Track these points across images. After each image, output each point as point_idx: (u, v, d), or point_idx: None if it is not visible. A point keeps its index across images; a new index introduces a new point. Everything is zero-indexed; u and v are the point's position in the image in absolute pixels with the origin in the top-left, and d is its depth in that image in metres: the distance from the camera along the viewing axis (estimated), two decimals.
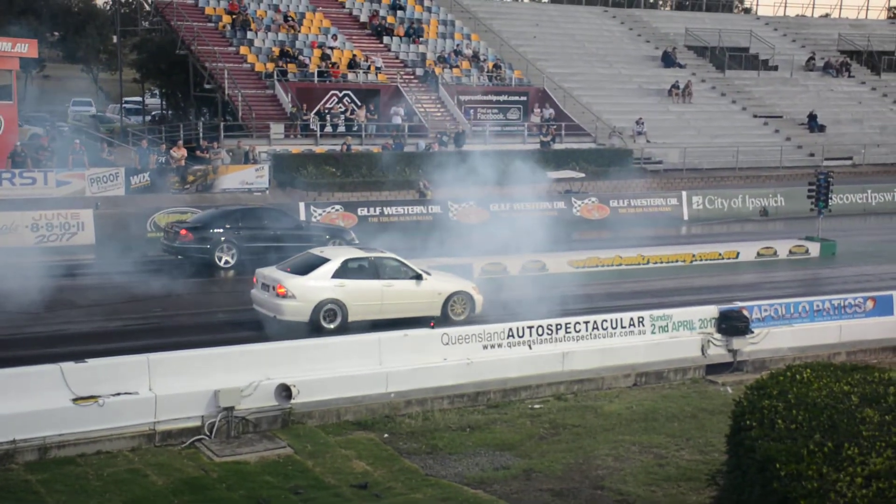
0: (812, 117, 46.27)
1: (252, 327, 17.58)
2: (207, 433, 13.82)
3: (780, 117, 46.52)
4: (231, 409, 13.98)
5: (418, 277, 18.16)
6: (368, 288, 17.73)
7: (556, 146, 38.51)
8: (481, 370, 16.10)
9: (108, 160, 30.49)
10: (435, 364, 15.83)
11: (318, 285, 17.46)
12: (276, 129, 34.95)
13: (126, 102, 50.02)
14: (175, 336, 16.65)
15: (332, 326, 17.27)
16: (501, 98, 40.85)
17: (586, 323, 17.30)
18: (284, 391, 14.39)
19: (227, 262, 23.02)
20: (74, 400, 13.24)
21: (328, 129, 36.26)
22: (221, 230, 23.10)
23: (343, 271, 17.74)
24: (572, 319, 17.29)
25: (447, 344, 16.11)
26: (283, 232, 23.65)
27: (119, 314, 18.30)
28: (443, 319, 18.03)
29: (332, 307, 17.44)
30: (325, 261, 17.90)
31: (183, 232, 22.92)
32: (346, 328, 17.19)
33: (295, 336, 16.23)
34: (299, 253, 19.40)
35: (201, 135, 33.90)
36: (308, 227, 24.85)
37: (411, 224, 29.65)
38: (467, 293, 18.57)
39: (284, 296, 17.29)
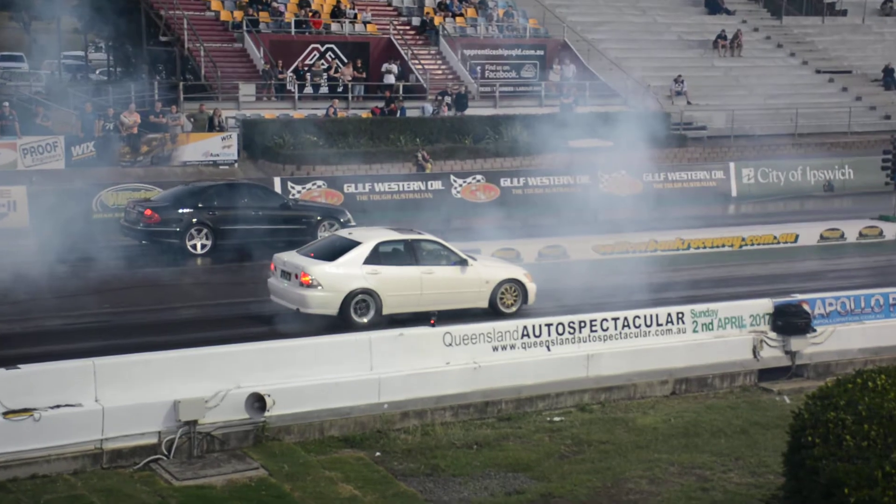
0: (888, 72, 46.06)
1: (225, 325, 17.64)
2: (165, 452, 13.83)
3: (850, 72, 46.35)
4: (193, 423, 13.98)
5: (463, 263, 18.44)
6: (405, 275, 18.01)
7: (579, 109, 38.36)
8: (491, 376, 16.11)
9: (45, 127, 30.42)
10: (436, 369, 15.85)
11: (348, 273, 17.70)
12: (247, 90, 34.88)
13: (65, 58, 49.84)
14: (127, 337, 16.68)
15: (364, 320, 17.57)
16: (514, 52, 40.74)
17: (615, 320, 17.32)
18: (257, 402, 14.40)
19: (200, 247, 23.08)
20: (5, 414, 13.23)
21: (308, 90, 36.21)
22: (193, 210, 23.15)
23: (376, 256, 18.01)
24: (598, 316, 17.33)
25: (450, 345, 16.13)
26: (267, 212, 23.78)
27: (59, 311, 18.32)
28: (491, 312, 18.31)
29: (364, 298, 17.71)
30: (355, 244, 18.12)
31: (147, 212, 22.96)
32: (379, 322, 17.41)
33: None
34: (318, 238, 19.95)
35: (157, 97, 33.84)
36: (296, 207, 24.96)
37: (408, 203, 29.71)
38: (519, 281, 18.84)
39: (309, 285, 17.51)
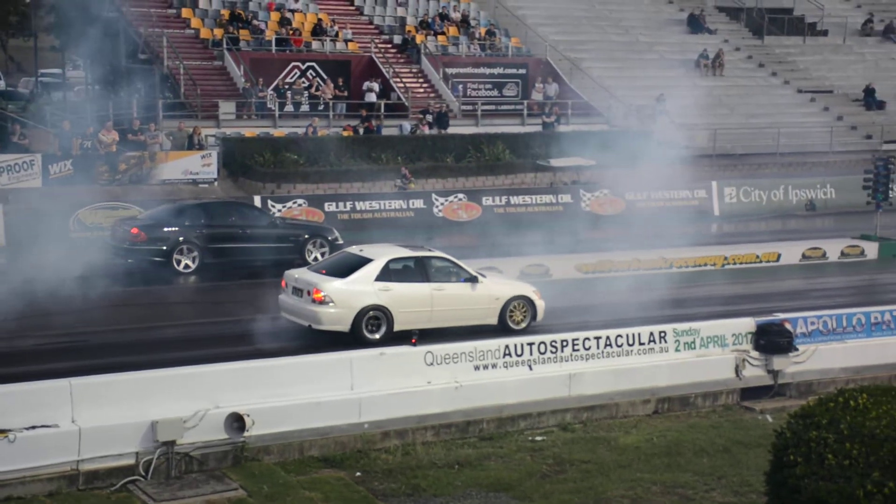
0: (869, 92, 46.48)
1: (208, 344, 17.62)
2: (143, 473, 13.79)
3: (831, 92, 46.74)
4: (171, 443, 13.95)
5: (473, 280, 18.69)
6: (416, 293, 18.22)
7: (562, 128, 38.56)
8: (472, 395, 16.18)
9: (22, 145, 30.38)
10: (417, 388, 15.90)
11: (360, 289, 17.92)
12: (226, 108, 34.86)
13: (42, 75, 49.71)
14: (105, 356, 16.59)
15: (376, 337, 17.73)
16: (496, 71, 40.90)
17: (597, 339, 17.47)
18: (236, 422, 14.38)
19: (186, 266, 23.14)
20: None
21: (289, 108, 36.23)
22: (180, 229, 23.20)
23: (387, 273, 18.24)
24: (580, 335, 17.47)
25: (432, 364, 16.22)
26: (254, 231, 23.86)
27: (36, 330, 18.21)
28: (500, 329, 18.53)
29: (375, 314, 17.90)
30: (366, 261, 18.34)
31: (134, 231, 23.04)
32: (390, 339, 17.55)
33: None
34: (332, 256, 19.85)
35: (135, 115, 33.78)
36: (283, 225, 25.06)
37: (389, 221, 29.73)
38: (528, 298, 19.11)
39: (322, 302, 17.69)
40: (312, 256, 24.23)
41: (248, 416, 14.40)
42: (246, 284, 22.50)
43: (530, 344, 17.00)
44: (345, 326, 17.81)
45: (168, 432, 13.91)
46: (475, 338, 17.28)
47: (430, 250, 19.33)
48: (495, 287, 19.00)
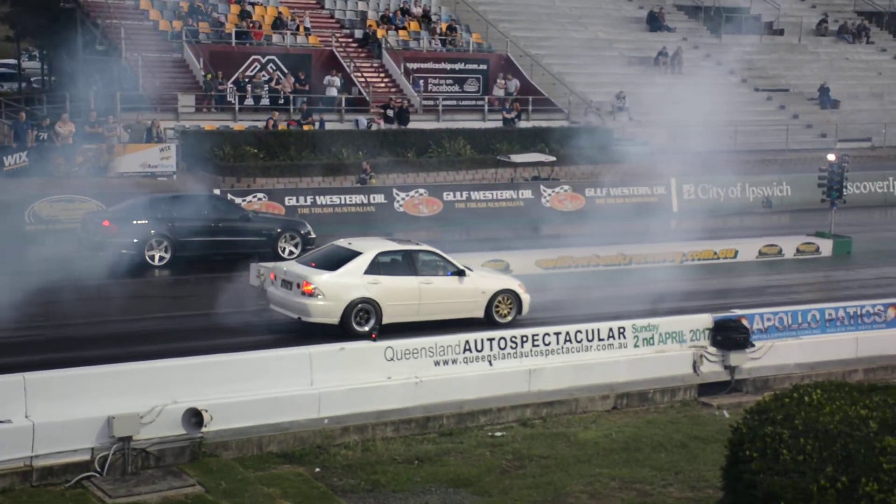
0: (824, 91, 47.03)
1: (174, 338, 17.54)
2: (98, 469, 13.64)
3: (787, 91, 47.24)
4: (128, 439, 13.80)
5: (460, 274, 18.99)
6: (405, 286, 18.48)
7: (522, 124, 38.65)
8: (432, 391, 16.17)
9: None
10: (377, 383, 15.87)
11: (350, 282, 18.15)
12: (186, 100, 34.62)
13: None
14: (62, 351, 16.44)
15: (365, 329, 17.91)
16: (457, 66, 40.92)
17: (557, 334, 17.50)
18: (194, 417, 14.26)
19: (159, 259, 23.06)
20: None
21: (249, 101, 35.98)
22: (152, 221, 23.04)
23: (376, 266, 18.46)
24: (540, 330, 17.51)
25: (392, 359, 16.19)
26: (226, 224, 23.91)
27: None
28: (486, 322, 18.80)
29: (364, 307, 18.11)
30: (355, 254, 18.54)
31: (105, 223, 22.88)
32: (379, 331, 17.74)
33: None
34: (321, 247, 19.94)
35: (93, 106, 33.38)
36: (256, 219, 25.04)
37: (350, 216, 29.63)
38: (513, 292, 19.42)
39: (312, 294, 17.88)
40: (286, 251, 24.26)
41: (206, 411, 14.28)
42: (218, 278, 22.35)
43: (490, 339, 17.02)
44: (334, 319, 18.00)
45: (124, 428, 13.75)
46: (436, 333, 17.25)
47: (417, 244, 19.58)
48: (482, 281, 19.28)
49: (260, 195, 29.15)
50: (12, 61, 50.40)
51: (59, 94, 36.70)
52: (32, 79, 50.33)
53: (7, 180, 28.09)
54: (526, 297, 19.53)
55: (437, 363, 16.50)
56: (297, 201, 29.60)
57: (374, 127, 35.96)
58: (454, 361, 16.65)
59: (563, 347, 17.45)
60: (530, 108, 39.66)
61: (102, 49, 36.63)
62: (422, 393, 16.08)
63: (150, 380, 14.48)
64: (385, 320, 18.25)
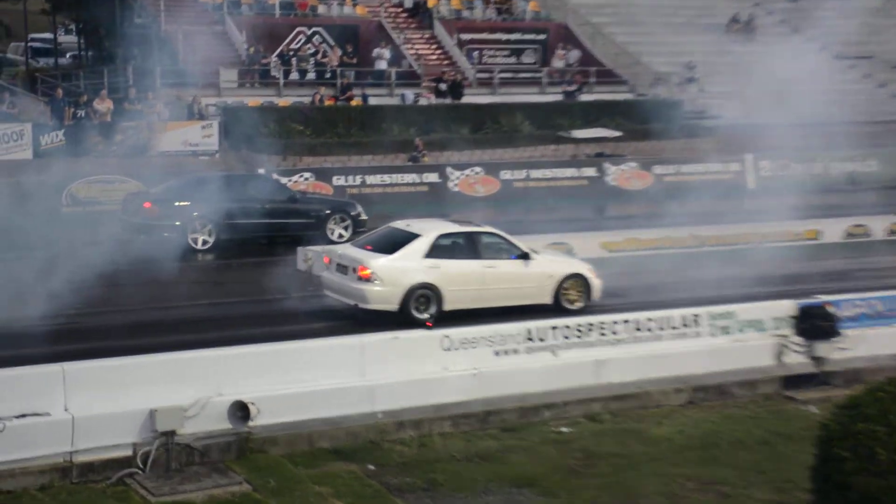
0: None
1: (212, 326, 17.58)
2: (140, 465, 13.64)
3: (871, 58, 46.26)
4: (171, 433, 13.78)
5: (525, 257, 18.97)
6: (467, 270, 18.53)
7: (584, 97, 38.33)
8: (493, 383, 16.03)
9: (10, 114, 30.27)
10: (434, 375, 15.77)
11: (409, 266, 18.23)
12: (228, 75, 34.77)
13: (33, 40, 49.59)
14: (102, 340, 16.51)
15: (425, 316, 17.95)
16: (514, 37, 40.66)
17: (626, 322, 17.34)
18: (241, 410, 14.22)
19: (202, 242, 23.20)
20: None
21: (294, 76, 36.01)
22: (195, 203, 23.13)
23: (436, 249, 18.51)
24: (608, 318, 17.36)
25: (449, 349, 16.08)
26: (274, 205, 24.02)
27: (31, 312, 18.01)
28: (554, 308, 18.76)
29: (424, 293, 18.18)
30: (413, 236, 18.57)
31: (147, 205, 23.22)
32: (439, 318, 17.78)
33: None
34: (375, 229, 20.03)
35: (131, 82, 33.63)
36: (304, 200, 25.25)
37: (401, 196, 29.63)
38: (583, 276, 19.40)
39: (368, 279, 17.94)
40: (335, 234, 24.30)
41: (254, 404, 14.23)
42: (264, 262, 22.46)
43: (554, 328, 16.87)
44: (393, 305, 18.03)
45: (168, 421, 13.74)
46: (495, 321, 17.10)
47: (480, 225, 19.57)
48: (549, 264, 19.24)
49: (307, 175, 29.18)
50: (48, 35, 50.89)
51: (97, 70, 37.06)
52: (69, 54, 50.85)
53: (43, 160, 28.37)
54: (597, 282, 19.46)
55: (497, 353, 16.38)
56: (346, 181, 29.61)
57: (424, 101, 35.79)
58: (516, 352, 16.52)
59: (632, 336, 17.27)
60: (592, 80, 39.29)
61: (141, 22, 36.84)
62: (481, 385, 15.95)
63: (194, 370, 14.45)
64: (446, 307, 18.25)
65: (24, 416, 13.29)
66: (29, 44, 47.28)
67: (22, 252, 20.95)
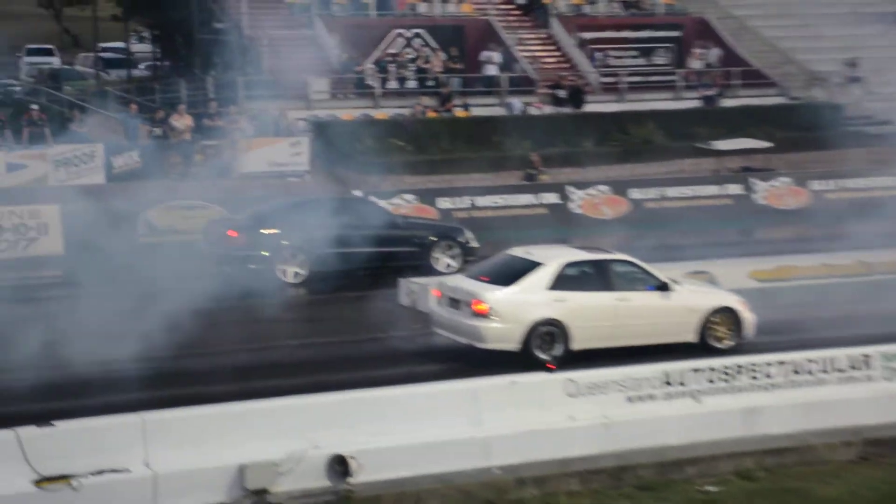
0: None
1: (306, 370, 17.77)
2: None
3: None
4: (263, 492, 13.97)
5: (664, 288, 18.95)
6: (597, 303, 18.49)
7: (726, 102, 38.04)
8: (626, 434, 15.95)
9: (80, 133, 31.13)
10: (558, 425, 15.70)
11: (531, 299, 18.25)
12: (319, 86, 35.30)
13: (104, 50, 51.01)
14: (183, 386, 16.77)
15: (549, 357, 17.92)
16: (643, 35, 40.62)
17: (781, 364, 17.12)
18: (340, 465, 14.36)
19: (294, 274, 23.62)
20: (37, 482, 13.33)
21: (392, 84, 36.41)
22: (284, 231, 23.58)
23: (562, 280, 18.51)
24: (759, 359, 17.17)
25: (574, 395, 16.03)
26: (373, 232, 24.29)
27: (104, 355, 18.42)
28: (700, 347, 18.74)
29: (549, 330, 18.16)
30: (535, 265, 18.63)
31: (231, 233, 23.58)
32: (566, 359, 17.77)
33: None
34: (489, 258, 20.24)
35: (212, 95, 34.37)
36: (406, 225, 25.53)
37: (516, 220, 29.72)
38: (732, 310, 19.26)
39: (485, 315, 17.97)
40: (442, 263, 24.50)
41: (354, 458, 14.35)
42: (362, 297, 22.77)
43: (696, 370, 16.71)
44: (513, 344, 18.03)
45: (258, 478, 13.93)
46: (627, 362, 17.02)
47: (610, 252, 19.58)
48: (692, 296, 19.15)
49: (408, 196, 29.43)
50: (120, 44, 52.22)
51: (174, 82, 37.92)
52: (143, 65, 52.17)
53: (117, 184, 29.12)
54: (749, 317, 19.28)
55: (630, 400, 16.29)
56: (453, 203, 29.79)
57: (534, 111, 35.83)
58: (652, 398, 16.41)
59: (789, 381, 17.04)
60: (736, 82, 38.99)
61: (222, 27, 37.63)
62: (612, 437, 15.86)
63: (287, 420, 14.61)
64: (574, 346, 18.18)
65: (100, 472, 13.56)
66: (99, 54, 48.60)
67: (95, 289, 21.47)
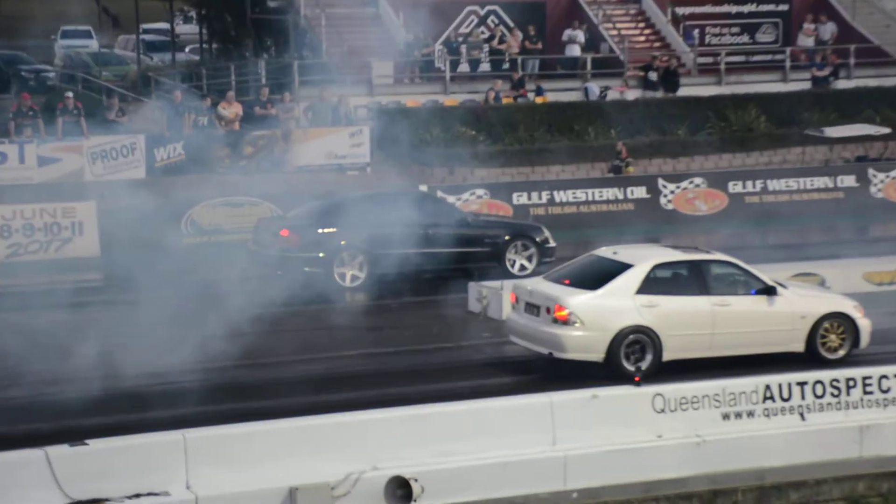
0: None
1: (365, 383, 17.93)
2: None
3: None
4: None
5: (769, 292, 18.86)
6: (692, 309, 18.50)
7: (841, 84, 37.66)
8: (721, 454, 15.89)
9: (120, 123, 31.44)
10: (644, 444, 15.68)
11: (618, 305, 18.31)
12: (382, 69, 35.39)
13: (146, 32, 51.43)
14: (229, 401, 17.00)
15: (638, 369, 17.97)
16: (746, 9, 40.31)
17: None
18: (401, 488, 14.43)
19: (353, 278, 23.86)
20: None
21: (464, 67, 36.45)
22: (343, 230, 23.84)
23: (652, 283, 18.56)
24: (874, 371, 16.96)
25: (663, 411, 15.98)
26: (440, 231, 24.50)
27: (144, 367, 18.68)
28: (808, 357, 18.71)
29: (638, 339, 18.19)
30: (623, 267, 18.68)
31: (284, 233, 23.87)
32: (657, 371, 17.80)
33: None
34: (571, 259, 20.28)
35: (264, 81, 34.64)
36: (477, 224, 25.61)
37: (601, 216, 29.81)
38: (847, 316, 19.18)
39: (566, 322, 18.06)
40: (517, 265, 24.59)
41: (416, 480, 14.41)
42: (428, 302, 22.99)
43: (801, 383, 16.58)
44: (598, 355, 18.07)
45: (311, 502, 14.05)
46: (722, 374, 16.94)
47: (707, 252, 19.51)
48: (800, 301, 19.03)
49: (480, 192, 29.56)
50: (164, 26, 52.58)
51: (222, 67, 38.22)
52: (188, 48, 52.65)
53: (159, 179, 29.42)
54: (865, 324, 19.11)
55: (725, 416, 16.22)
56: (529, 199, 29.87)
57: (616, 95, 35.60)
58: (750, 414, 16.32)
59: None
60: (852, 61, 38.55)
61: (276, 6, 37.91)
62: (705, 457, 15.80)
63: (343, 438, 14.72)
64: (666, 356, 18.15)
65: (137, 496, 13.73)
66: (141, 37, 49.03)
67: (136, 294, 21.78)
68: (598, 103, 35.47)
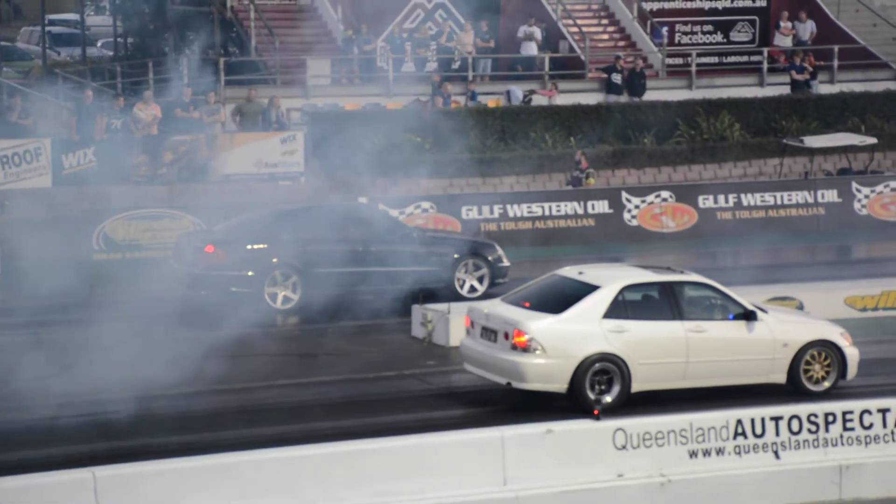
0: None
1: (296, 416, 17.88)
2: None
3: None
4: None
5: (749, 317, 18.85)
6: (664, 335, 18.52)
7: (823, 88, 37.97)
8: (687, 495, 16.11)
9: (23, 125, 31.31)
10: (604, 484, 15.85)
11: (583, 330, 18.27)
12: (318, 68, 35.41)
13: (52, 24, 51.09)
14: (142, 436, 16.89)
15: (606, 400, 17.94)
16: (720, 5, 40.55)
17: (884, 412, 17.13)
18: None
19: (285, 299, 23.89)
20: None
21: (409, 66, 36.51)
22: (274, 246, 23.91)
23: (621, 306, 18.53)
24: (855, 406, 17.17)
25: (624, 447, 16.15)
26: (381, 248, 24.53)
27: (51, 400, 18.58)
28: (791, 390, 18.77)
29: (605, 367, 18.15)
30: (589, 289, 18.68)
31: (209, 249, 23.81)
32: (624, 403, 17.78)
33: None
34: (532, 280, 20.08)
35: (186, 80, 34.56)
36: (424, 240, 25.61)
37: (559, 233, 29.86)
38: (832, 344, 19.19)
39: (526, 348, 18.02)
40: (466, 285, 24.67)
41: None
42: (368, 327, 23.00)
43: (776, 418, 16.78)
44: (560, 385, 18.05)
45: None
46: (690, 409, 17.13)
47: (680, 272, 19.52)
48: (782, 327, 19.08)
49: (425, 205, 29.61)
50: (73, 17, 52.35)
51: (139, 64, 38.07)
52: (101, 42, 52.35)
53: (68, 189, 29.24)
54: (853, 353, 19.15)
55: (692, 454, 16.40)
56: (480, 213, 29.93)
57: (538, 100, 35.61)
58: (720, 452, 16.51)
59: (891, 433, 17.04)
60: (835, 63, 38.93)
61: None
62: (670, 498, 16.01)
63: (272, 477, 14.77)
64: (635, 387, 18.15)
65: None
66: (47, 29, 48.74)
67: (43, 317, 21.70)
68: (553, 108, 35.41)
